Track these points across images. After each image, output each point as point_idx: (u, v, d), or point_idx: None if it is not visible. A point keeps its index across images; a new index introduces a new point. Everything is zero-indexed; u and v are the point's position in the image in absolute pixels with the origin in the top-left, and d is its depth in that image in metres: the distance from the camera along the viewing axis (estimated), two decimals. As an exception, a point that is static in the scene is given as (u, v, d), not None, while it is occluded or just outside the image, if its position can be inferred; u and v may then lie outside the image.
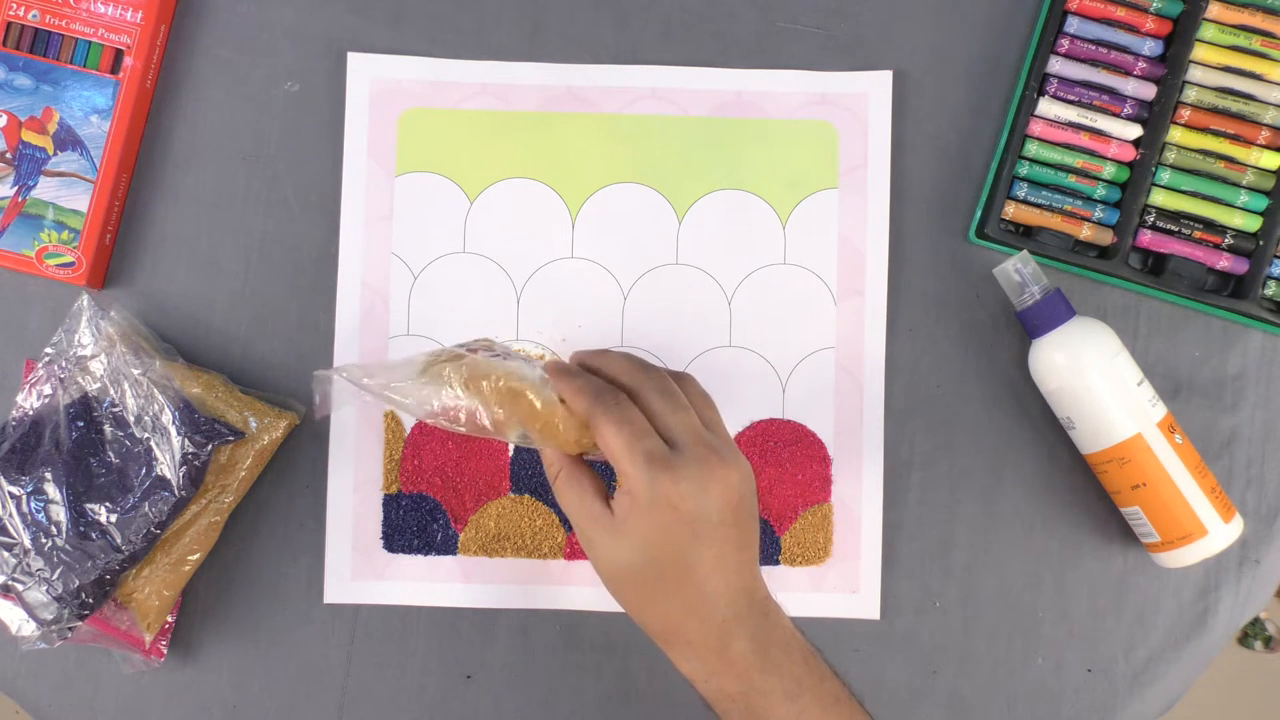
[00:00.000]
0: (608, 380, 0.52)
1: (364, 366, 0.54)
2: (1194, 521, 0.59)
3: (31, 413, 0.62)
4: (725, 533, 0.50)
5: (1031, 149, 0.64)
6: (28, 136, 0.63)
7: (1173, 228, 0.64)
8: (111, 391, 0.61)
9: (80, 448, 0.60)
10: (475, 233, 0.65)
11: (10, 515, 0.59)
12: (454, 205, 0.65)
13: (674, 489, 0.48)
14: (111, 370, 0.61)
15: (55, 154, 0.63)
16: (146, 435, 0.60)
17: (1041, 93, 0.64)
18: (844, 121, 0.65)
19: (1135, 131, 0.63)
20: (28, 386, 0.62)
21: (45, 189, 0.63)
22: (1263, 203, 0.63)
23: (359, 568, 0.64)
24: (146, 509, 0.59)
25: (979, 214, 0.64)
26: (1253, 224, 0.63)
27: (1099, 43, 0.64)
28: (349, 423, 0.64)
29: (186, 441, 0.59)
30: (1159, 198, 0.64)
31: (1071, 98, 0.64)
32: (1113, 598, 0.65)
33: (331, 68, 0.65)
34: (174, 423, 0.59)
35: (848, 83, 0.65)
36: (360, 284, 0.65)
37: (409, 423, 0.65)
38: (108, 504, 0.59)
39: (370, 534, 0.65)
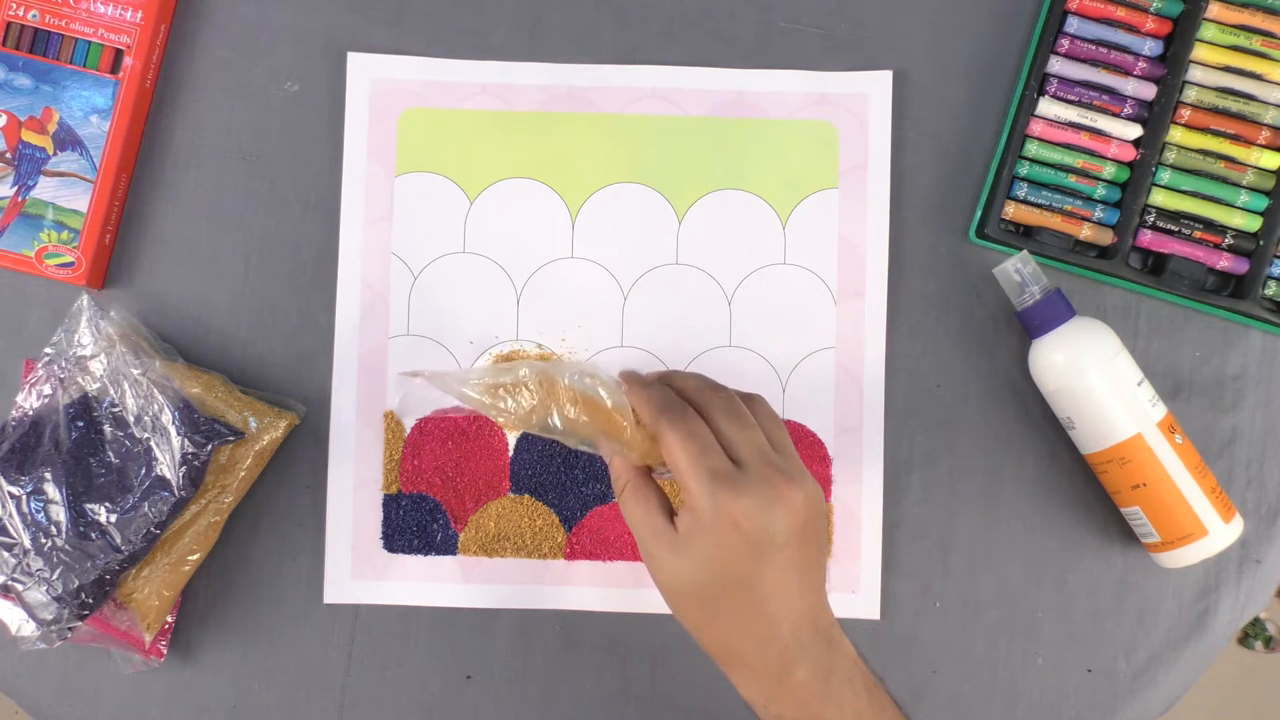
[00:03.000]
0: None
1: (445, 372, 0.56)
2: (1194, 521, 0.59)
3: (31, 413, 0.62)
4: (788, 555, 0.49)
5: (1031, 149, 0.64)
6: (27, 136, 0.63)
7: (1173, 228, 0.64)
8: (111, 391, 0.61)
9: (80, 448, 0.60)
10: (475, 233, 0.65)
11: (10, 515, 0.59)
12: (454, 205, 0.65)
13: (736, 506, 0.48)
14: (111, 370, 0.61)
15: (55, 154, 0.63)
16: (146, 435, 0.60)
17: (1041, 93, 0.64)
18: (844, 121, 0.65)
19: (1135, 131, 0.63)
20: (27, 386, 0.62)
21: (45, 189, 0.63)
22: (1263, 203, 0.63)
23: (359, 568, 0.64)
24: (146, 509, 0.59)
25: (979, 214, 0.64)
26: (1253, 224, 0.63)
27: (1099, 43, 0.64)
28: (349, 423, 0.64)
29: (186, 441, 0.59)
30: (1159, 198, 0.64)
31: (1071, 98, 0.64)
32: (1113, 598, 0.64)
33: (331, 68, 0.65)
34: (174, 423, 0.59)
35: (848, 83, 0.65)
36: (360, 284, 0.65)
37: (409, 423, 0.65)
38: (108, 504, 0.59)
39: (370, 534, 0.64)
